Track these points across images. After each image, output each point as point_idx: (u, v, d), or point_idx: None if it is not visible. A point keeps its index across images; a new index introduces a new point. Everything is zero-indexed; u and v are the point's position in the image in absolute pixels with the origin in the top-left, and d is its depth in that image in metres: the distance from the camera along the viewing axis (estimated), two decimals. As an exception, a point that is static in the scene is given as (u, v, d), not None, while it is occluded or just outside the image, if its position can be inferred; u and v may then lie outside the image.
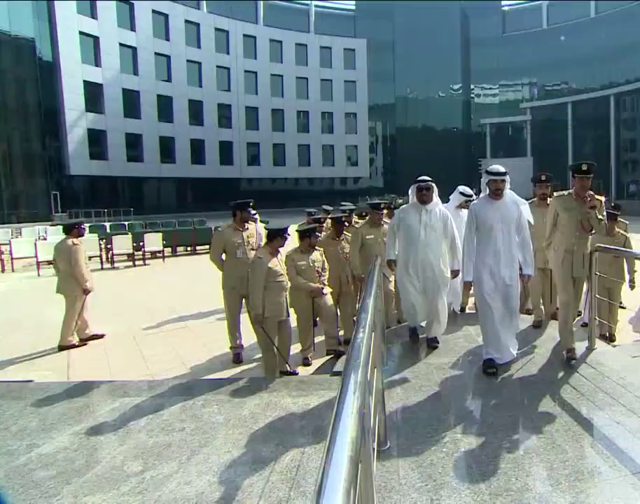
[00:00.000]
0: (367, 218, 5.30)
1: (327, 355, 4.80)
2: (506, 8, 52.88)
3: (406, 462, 2.48)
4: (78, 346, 5.28)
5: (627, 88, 42.64)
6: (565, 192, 3.86)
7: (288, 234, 4.33)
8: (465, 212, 4.64)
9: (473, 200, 4.57)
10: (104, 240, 12.77)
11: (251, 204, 4.85)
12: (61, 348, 5.18)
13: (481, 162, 47.68)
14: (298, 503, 2.26)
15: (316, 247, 4.62)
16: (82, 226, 5.65)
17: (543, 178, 4.77)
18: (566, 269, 3.74)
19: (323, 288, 4.54)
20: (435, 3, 52.22)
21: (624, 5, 43.71)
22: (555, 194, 3.98)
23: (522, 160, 45.08)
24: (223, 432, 3.02)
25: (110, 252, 12.07)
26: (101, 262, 11.86)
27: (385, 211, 5.30)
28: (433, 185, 4.14)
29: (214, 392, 3.71)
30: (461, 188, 5.21)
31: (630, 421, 2.82)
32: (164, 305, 7.27)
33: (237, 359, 4.70)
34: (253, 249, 4.64)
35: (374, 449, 2.11)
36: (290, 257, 4.47)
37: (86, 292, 5.29)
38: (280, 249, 4.43)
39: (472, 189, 5.58)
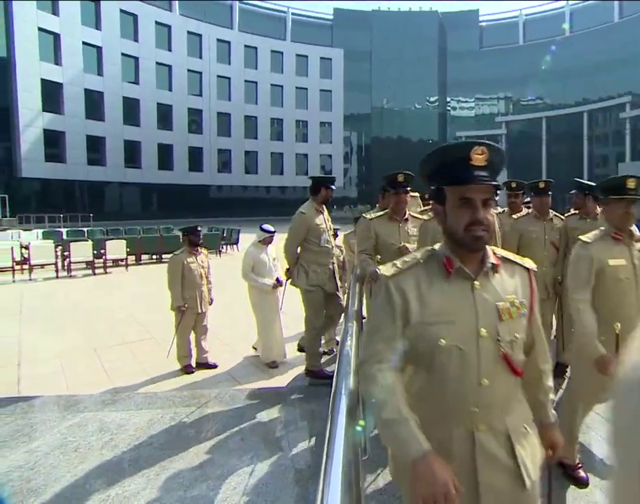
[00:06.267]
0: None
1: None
2: (484, 24, 55.23)
3: (386, 471, 2.50)
4: (193, 372, 4.62)
5: (599, 105, 45.21)
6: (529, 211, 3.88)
7: (200, 234, 4.75)
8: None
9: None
10: (61, 247, 12.34)
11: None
12: (182, 369, 4.67)
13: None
14: (276, 517, 2.24)
15: None
16: (196, 232, 4.78)
17: (514, 185, 4.29)
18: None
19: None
20: (413, 15, 54.08)
21: (599, 25, 46.56)
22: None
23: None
24: (195, 445, 2.97)
25: (68, 259, 11.66)
26: (57, 271, 11.45)
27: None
28: None
29: (184, 405, 3.65)
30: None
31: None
32: (128, 315, 7.08)
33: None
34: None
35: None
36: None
37: (178, 311, 4.69)
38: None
39: None
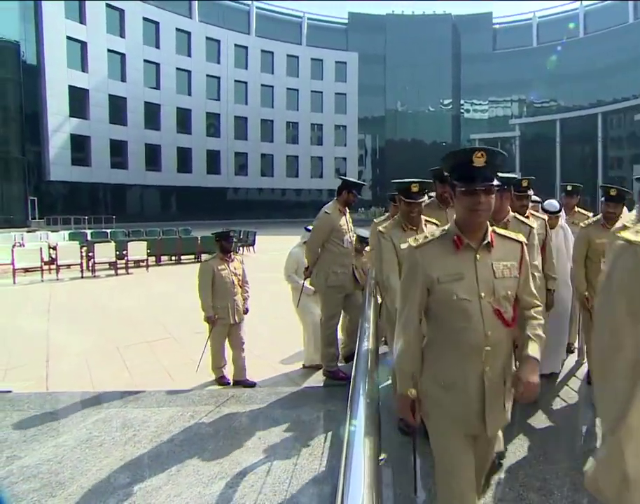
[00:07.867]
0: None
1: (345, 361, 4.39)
2: (497, 26, 54.52)
3: (401, 474, 2.50)
4: (228, 385, 4.24)
5: (614, 107, 44.18)
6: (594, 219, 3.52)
7: (232, 240, 4.36)
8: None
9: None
10: (85, 248, 12.61)
11: None
12: (216, 380, 4.31)
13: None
14: (291, 515, 2.27)
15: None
16: (228, 238, 4.32)
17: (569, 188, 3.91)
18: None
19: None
20: (426, 19, 53.67)
21: (613, 26, 45.55)
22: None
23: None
24: (213, 443, 3.01)
25: (92, 260, 11.91)
26: (82, 271, 11.71)
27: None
28: None
29: (203, 403, 3.70)
30: (546, 203, 4.10)
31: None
32: (148, 315, 7.20)
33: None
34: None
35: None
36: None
37: (209, 322, 4.23)
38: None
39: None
